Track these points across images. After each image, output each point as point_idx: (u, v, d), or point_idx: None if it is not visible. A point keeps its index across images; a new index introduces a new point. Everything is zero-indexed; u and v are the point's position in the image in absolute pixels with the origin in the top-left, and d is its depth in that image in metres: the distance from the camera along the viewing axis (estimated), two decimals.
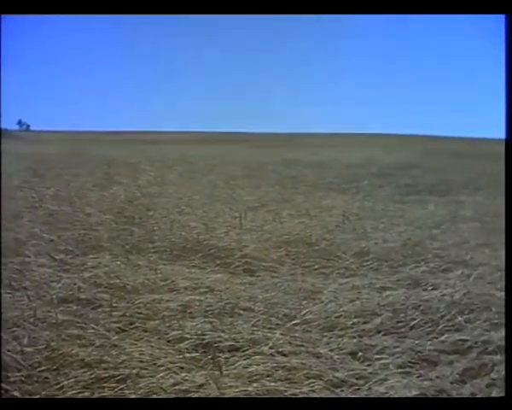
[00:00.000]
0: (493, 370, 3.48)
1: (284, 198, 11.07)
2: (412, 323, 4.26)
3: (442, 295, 4.85)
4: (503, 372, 3.40)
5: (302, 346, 3.82)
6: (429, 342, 3.91)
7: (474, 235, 7.57)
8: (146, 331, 4.00)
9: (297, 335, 4.02)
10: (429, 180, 15.39)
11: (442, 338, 3.98)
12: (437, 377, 3.41)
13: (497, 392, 3.19)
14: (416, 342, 3.91)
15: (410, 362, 3.62)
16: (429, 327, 4.19)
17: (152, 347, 3.68)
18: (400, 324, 4.27)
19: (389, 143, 45.18)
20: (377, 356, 3.69)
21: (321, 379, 3.32)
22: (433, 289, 5.10)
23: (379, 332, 4.12)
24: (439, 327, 4.18)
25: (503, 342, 3.83)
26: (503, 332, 3.99)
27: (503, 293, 4.88)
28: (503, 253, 6.45)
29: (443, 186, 14.15)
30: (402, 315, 4.42)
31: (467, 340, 3.94)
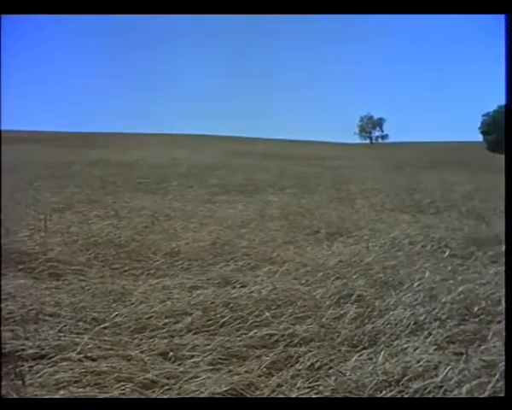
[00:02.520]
0: (298, 361, 3.62)
1: (92, 199, 10.74)
2: (222, 320, 4.31)
3: (250, 292, 4.98)
4: (308, 363, 3.58)
5: (112, 349, 3.69)
6: (238, 339, 3.99)
7: (281, 233, 7.92)
8: None
9: (106, 338, 3.88)
10: (237, 181, 15.89)
11: (251, 334, 4.07)
12: (246, 371, 3.47)
13: (301, 382, 3.33)
14: (226, 338, 3.97)
15: (220, 359, 3.65)
16: (238, 324, 4.27)
17: None
18: (210, 322, 4.30)
19: (197, 143, 46.03)
20: (188, 355, 3.68)
21: (131, 381, 3.23)
22: (241, 286, 5.21)
23: (190, 331, 4.11)
24: (248, 323, 4.27)
25: (307, 334, 4.04)
26: (306, 325, 4.21)
27: (308, 288, 5.18)
28: (307, 249, 6.87)
29: (251, 186, 14.69)
30: (212, 313, 4.45)
31: (274, 334, 4.07)
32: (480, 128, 56.69)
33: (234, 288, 5.18)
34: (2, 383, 3.12)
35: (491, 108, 55.70)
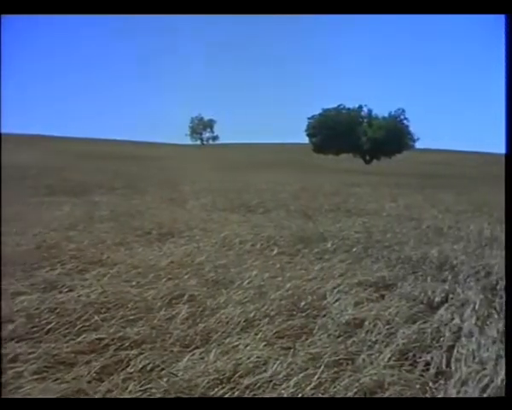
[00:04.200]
0: (129, 364, 3.55)
1: None
2: (48, 327, 4.10)
3: (78, 296, 4.79)
4: (140, 365, 3.51)
5: None
6: (66, 345, 3.81)
7: (111, 235, 7.72)
8: None
9: None
10: (65, 181, 15.27)
11: (79, 339, 3.91)
12: (74, 378, 3.33)
13: (133, 385, 3.26)
14: (53, 345, 3.77)
15: (46, 367, 3.46)
16: (66, 329, 4.09)
17: None
18: (35, 329, 4.07)
19: (15, 143, 43.55)
20: (10, 365, 3.44)
21: None
22: (69, 290, 5.00)
23: (12, 340, 3.85)
24: (76, 328, 4.11)
25: (138, 336, 3.97)
26: (137, 328, 4.14)
27: (139, 289, 5.09)
28: (138, 251, 6.76)
29: (79, 187, 14.18)
30: (37, 320, 4.22)
31: (104, 338, 3.95)
32: (306, 131, 59.69)
33: (61, 292, 4.94)
34: None
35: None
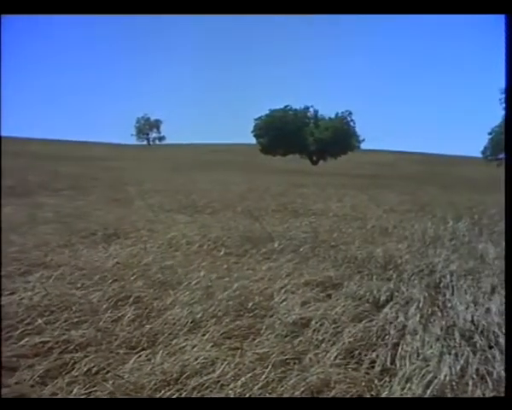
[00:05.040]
0: (74, 368, 3.48)
1: None
2: None
3: (21, 299, 4.67)
4: (85, 368, 3.45)
5: None
6: (8, 349, 3.71)
7: (55, 236, 7.55)
8: None
9: None
10: (6, 182, 14.84)
11: (22, 343, 3.82)
12: (17, 382, 3.25)
13: (78, 388, 3.20)
14: None
15: None
16: (7, 333, 3.98)
17: None
18: None
19: None
20: None
21: None
22: (10, 293, 4.86)
23: None
24: (18, 332, 4.00)
25: (83, 339, 3.91)
26: (82, 330, 4.07)
27: (84, 292, 5.00)
28: (83, 253, 6.64)
29: (21, 188, 13.83)
30: None
31: (48, 341, 3.86)
32: (252, 132, 59.95)
33: (2, 295, 4.80)
34: None
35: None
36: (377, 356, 3.86)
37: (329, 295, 5.29)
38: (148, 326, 4.26)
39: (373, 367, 3.72)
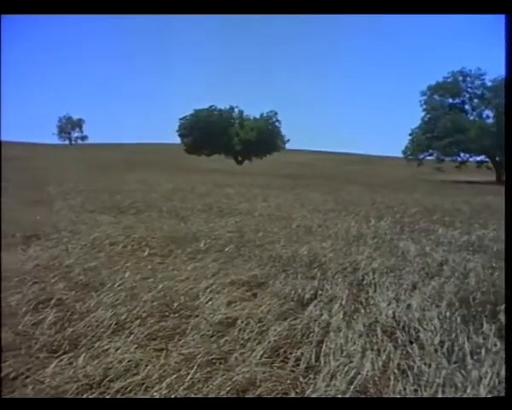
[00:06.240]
0: None
1: None
2: None
3: None
4: (3, 374, 3.32)
5: None
6: None
7: None
8: None
9: None
10: None
11: None
12: None
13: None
14: None
15: None
16: None
17: None
18: None
19: None
20: None
21: None
22: None
23: None
24: None
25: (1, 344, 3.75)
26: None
27: (2, 294, 4.81)
28: (1, 255, 6.39)
29: None
30: None
31: None
32: (177, 131, 59.60)
33: None
34: None
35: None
36: (302, 354, 3.90)
37: (255, 295, 5.32)
38: (70, 329, 4.15)
39: (298, 365, 3.76)
